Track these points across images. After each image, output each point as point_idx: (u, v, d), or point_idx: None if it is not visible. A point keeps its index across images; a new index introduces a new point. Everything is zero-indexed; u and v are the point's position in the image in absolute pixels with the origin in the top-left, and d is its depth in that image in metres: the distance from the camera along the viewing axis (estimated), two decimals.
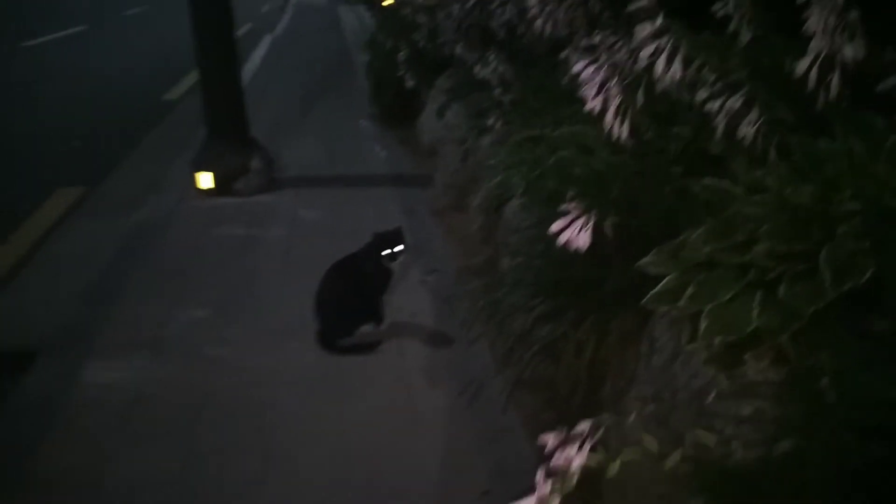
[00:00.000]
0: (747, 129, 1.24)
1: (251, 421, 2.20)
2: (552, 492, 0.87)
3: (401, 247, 2.61)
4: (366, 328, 2.66)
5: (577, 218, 1.26)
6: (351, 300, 2.61)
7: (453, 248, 3.53)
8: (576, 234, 1.26)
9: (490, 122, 3.31)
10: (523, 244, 2.44)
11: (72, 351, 2.56)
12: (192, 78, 7.23)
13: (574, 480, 0.90)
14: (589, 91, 1.20)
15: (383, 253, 2.58)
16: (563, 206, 1.24)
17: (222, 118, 4.12)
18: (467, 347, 2.50)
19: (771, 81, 1.29)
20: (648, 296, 1.57)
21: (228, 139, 4.11)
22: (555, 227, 1.30)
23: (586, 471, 0.92)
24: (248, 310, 2.89)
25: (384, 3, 14.02)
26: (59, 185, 4.58)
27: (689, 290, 1.49)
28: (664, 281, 1.58)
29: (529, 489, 0.94)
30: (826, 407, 1.25)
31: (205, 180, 4.08)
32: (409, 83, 4.85)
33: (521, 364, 2.07)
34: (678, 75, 1.18)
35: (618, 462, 0.97)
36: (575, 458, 0.88)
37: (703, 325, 1.42)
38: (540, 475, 0.90)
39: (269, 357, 2.54)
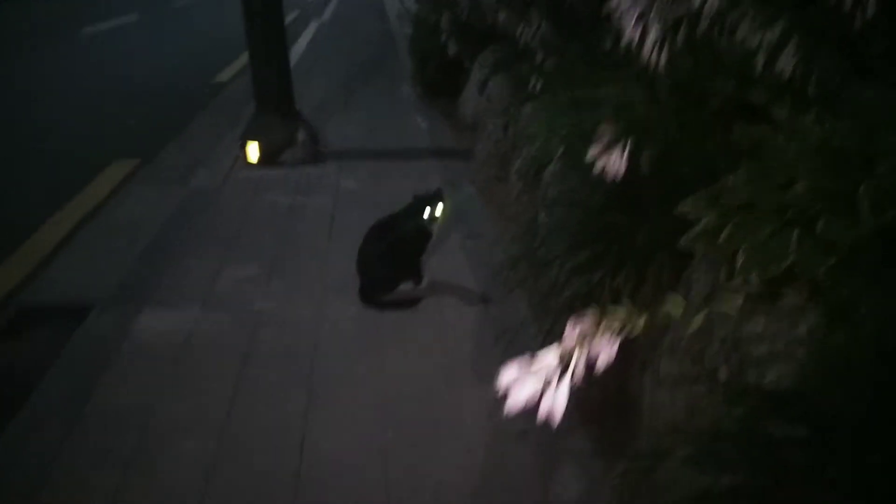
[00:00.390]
0: (786, 63, 1.24)
1: (295, 366, 2.29)
2: None
3: (440, 207, 2.66)
4: (406, 287, 2.72)
5: (613, 144, 1.27)
6: (391, 258, 2.68)
7: (494, 215, 3.56)
8: (612, 160, 1.28)
9: (531, 87, 3.32)
10: (560, 198, 2.46)
11: (125, 305, 2.69)
12: (241, 62, 7.44)
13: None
14: (627, 21, 1.22)
15: (423, 213, 2.63)
16: (600, 130, 1.26)
17: (270, 93, 4.24)
18: (504, 302, 2.55)
19: (808, 11, 1.29)
20: (686, 235, 1.58)
21: (275, 113, 4.23)
22: (591, 153, 1.32)
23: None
24: (293, 269, 2.99)
25: None
26: (116, 159, 4.77)
27: (727, 231, 1.50)
28: (702, 222, 1.59)
29: None
30: (861, 339, 1.26)
31: (252, 152, 4.20)
32: (452, 50, 4.83)
33: (555, 313, 2.11)
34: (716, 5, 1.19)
35: None
36: None
37: (739, 261, 1.43)
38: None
39: (313, 310, 2.63)
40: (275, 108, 4.23)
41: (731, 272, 1.56)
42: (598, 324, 1.02)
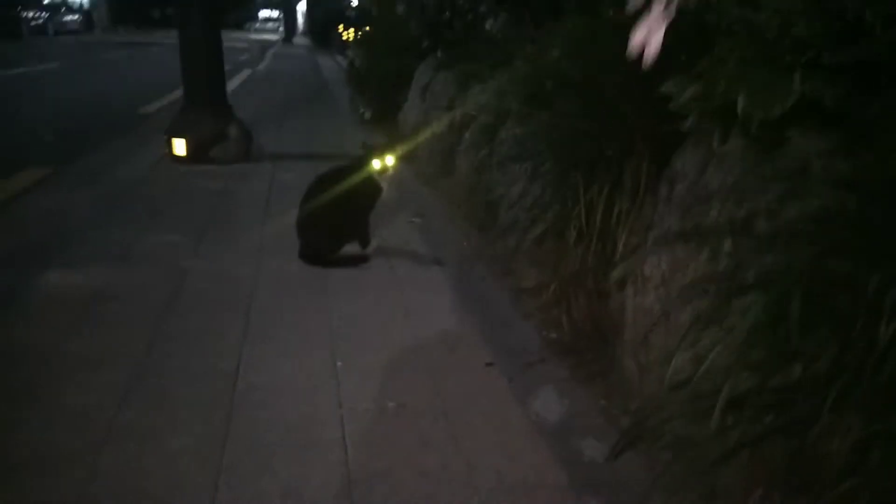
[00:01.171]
0: None
1: (228, 310, 2.00)
2: None
3: (391, 160, 2.48)
4: (351, 248, 2.49)
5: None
6: (337, 214, 2.45)
7: (439, 203, 3.40)
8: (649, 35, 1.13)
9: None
10: (521, 140, 2.33)
11: (27, 267, 2.33)
12: (168, 98, 7.20)
13: None
14: None
15: (373, 164, 2.44)
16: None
17: (200, 86, 4.02)
18: (459, 265, 2.37)
19: None
20: (674, 102, 1.47)
21: (205, 106, 4.00)
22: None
23: None
24: (224, 237, 2.72)
25: (344, 38, 14.19)
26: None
27: (722, 85, 1.39)
28: (689, 89, 1.48)
29: None
30: (881, 162, 1.14)
31: (179, 146, 3.93)
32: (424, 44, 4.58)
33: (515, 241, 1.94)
34: None
35: None
36: None
37: (739, 106, 1.32)
38: None
39: (247, 268, 2.36)
40: (204, 102, 3.99)
41: (726, 134, 1.45)
42: None
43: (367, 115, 5.35)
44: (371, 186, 2.47)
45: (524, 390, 1.65)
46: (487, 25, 3.04)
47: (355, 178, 2.46)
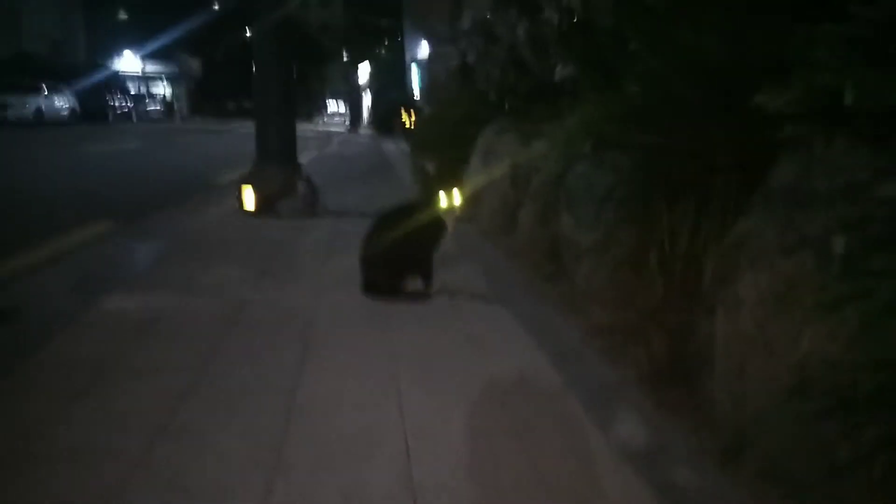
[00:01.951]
0: None
1: (287, 334, 1.94)
2: None
3: (459, 199, 2.44)
4: (414, 285, 2.42)
5: None
6: (401, 250, 2.40)
7: (502, 255, 3.33)
8: None
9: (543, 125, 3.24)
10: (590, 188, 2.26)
11: (88, 293, 2.34)
12: (237, 173, 7.51)
13: None
14: None
15: (440, 202, 2.41)
16: None
17: (272, 144, 4.15)
18: (523, 303, 2.26)
19: None
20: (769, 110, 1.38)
21: (276, 162, 4.11)
22: None
23: None
24: (284, 273, 2.69)
25: (407, 126, 14.73)
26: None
27: (823, 80, 1.30)
28: (785, 95, 1.40)
29: None
30: None
31: (248, 199, 4.02)
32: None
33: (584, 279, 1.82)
34: None
35: None
36: None
37: (847, 100, 1.22)
38: None
39: (307, 300, 2.31)
40: (275, 157, 4.11)
41: (830, 138, 1.34)
42: None
43: (431, 171, 5.39)
44: (436, 223, 2.43)
45: (604, 419, 1.50)
46: (556, 76, 3.05)
47: (420, 214, 2.42)
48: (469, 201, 2.47)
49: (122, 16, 37.20)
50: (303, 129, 10.76)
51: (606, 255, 2.06)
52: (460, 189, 2.48)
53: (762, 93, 1.51)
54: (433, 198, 2.44)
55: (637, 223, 1.86)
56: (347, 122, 31.16)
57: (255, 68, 4.10)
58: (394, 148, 14.21)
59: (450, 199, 2.43)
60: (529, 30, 3.32)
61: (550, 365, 1.78)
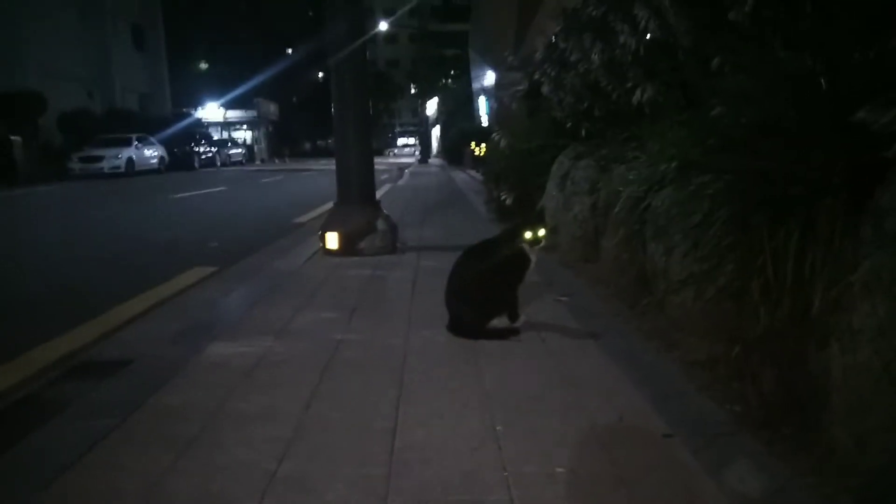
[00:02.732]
0: None
1: (381, 374, 1.97)
2: None
3: (542, 231, 2.42)
4: (499, 322, 2.41)
5: None
6: (486, 286, 2.40)
7: (586, 285, 3.27)
8: None
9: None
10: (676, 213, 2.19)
11: (193, 342, 2.45)
12: (318, 210, 7.75)
13: None
14: None
15: (523, 236, 2.39)
16: None
17: (351, 185, 4.25)
18: (612, 336, 2.20)
19: None
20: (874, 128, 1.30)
21: (355, 202, 4.21)
22: None
23: None
24: (374, 313, 2.74)
25: (476, 154, 14.83)
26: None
27: None
28: (892, 111, 1.32)
29: None
30: None
31: (331, 240, 4.13)
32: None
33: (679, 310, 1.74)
34: None
35: None
36: None
37: None
38: None
39: (398, 339, 2.34)
40: (355, 198, 4.21)
41: None
42: None
43: (508, 201, 5.39)
44: (519, 258, 2.41)
45: (713, 464, 1.43)
46: (634, 100, 3.00)
47: (504, 250, 2.42)
48: (547, 230, 2.44)
49: (203, 65, 39.51)
50: (375, 162, 10.99)
51: (704, 285, 1.98)
52: (541, 220, 2.46)
53: (865, 109, 1.43)
54: (514, 231, 2.43)
55: (737, 250, 1.78)
56: (417, 154, 31.73)
57: (334, 109, 4.24)
58: (465, 177, 14.36)
59: (533, 232, 2.41)
60: (604, 53, 3.28)
61: (651, 405, 1.72)
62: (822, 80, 1.68)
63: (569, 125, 4.30)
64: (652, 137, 2.89)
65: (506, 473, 1.38)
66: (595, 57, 3.34)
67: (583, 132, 4.11)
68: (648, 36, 2.86)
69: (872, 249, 1.40)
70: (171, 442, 1.57)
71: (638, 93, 2.89)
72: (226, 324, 2.70)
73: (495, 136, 6.44)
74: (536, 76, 4.75)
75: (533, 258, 2.43)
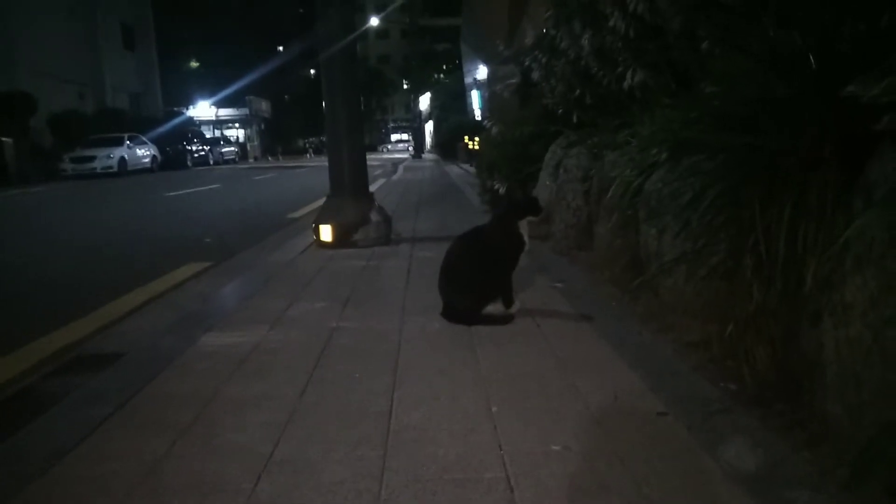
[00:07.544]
0: None
1: (376, 359, 1.97)
2: None
3: (536, 216, 2.42)
4: (494, 307, 2.40)
5: None
6: (480, 271, 2.39)
7: (580, 271, 3.27)
8: None
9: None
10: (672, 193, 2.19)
11: (186, 332, 2.44)
12: (311, 206, 7.72)
13: None
14: None
15: (518, 219, 2.39)
16: None
17: (344, 177, 4.23)
18: (608, 319, 2.21)
19: None
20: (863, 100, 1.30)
21: (348, 194, 4.19)
22: None
23: None
24: (368, 303, 2.73)
25: (470, 147, 14.82)
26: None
27: None
28: (882, 83, 1.32)
29: None
30: None
31: (325, 232, 4.12)
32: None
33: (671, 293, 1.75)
34: None
35: None
36: None
37: None
38: None
39: (392, 326, 2.34)
40: (348, 190, 4.20)
41: None
42: None
43: (501, 190, 5.38)
44: (512, 240, 2.40)
45: (709, 439, 1.44)
46: (625, 85, 2.99)
47: (496, 234, 2.41)
48: (541, 218, 2.44)
49: (194, 64, 39.35)
50: (369, 158, 10.96)
51: (695, 265, 1.98)
52: (531, 200, 2.46)
53: (854, 82, 1.44)
54: (506, 214, 2.42)
55: (728, 228, 1.79)
56: (411, 149, 31.69)
57: (325, 104, 4.23)
58: (459, 171, 14.35)
59: (528, 220, 2.41)
60: (594, 39, 3.27)
61: (645, 384, 1.72)
62: (812, 57, 1.68)
63: (560, 112, 4.29)
64: (643, 122, 2.89)
65: (501, 452, 1.38)
66: (585, 43, 3.33)
67: (574, 119, 4.10)
68: (640, 22, 2.85)
69: (863, 222, 1.40)
70: (166, 428, 1.56)
71: (628, 76, 2.89)
72: (221, 315, 2.69)
73: (487, 123, 6.43)
74: (527, 62, 4.74)
75: (526, 239, 2.43)
